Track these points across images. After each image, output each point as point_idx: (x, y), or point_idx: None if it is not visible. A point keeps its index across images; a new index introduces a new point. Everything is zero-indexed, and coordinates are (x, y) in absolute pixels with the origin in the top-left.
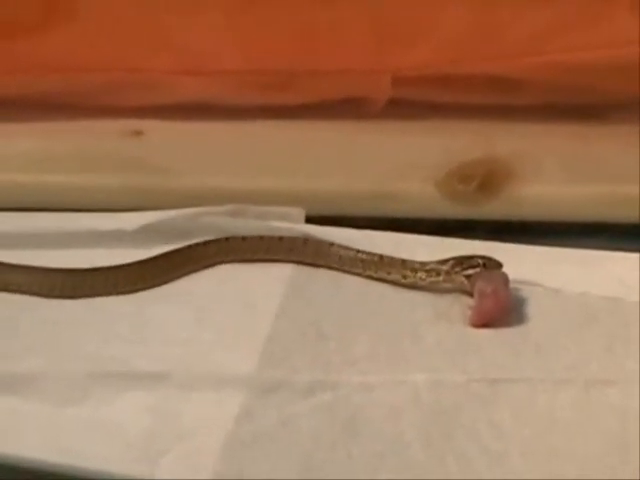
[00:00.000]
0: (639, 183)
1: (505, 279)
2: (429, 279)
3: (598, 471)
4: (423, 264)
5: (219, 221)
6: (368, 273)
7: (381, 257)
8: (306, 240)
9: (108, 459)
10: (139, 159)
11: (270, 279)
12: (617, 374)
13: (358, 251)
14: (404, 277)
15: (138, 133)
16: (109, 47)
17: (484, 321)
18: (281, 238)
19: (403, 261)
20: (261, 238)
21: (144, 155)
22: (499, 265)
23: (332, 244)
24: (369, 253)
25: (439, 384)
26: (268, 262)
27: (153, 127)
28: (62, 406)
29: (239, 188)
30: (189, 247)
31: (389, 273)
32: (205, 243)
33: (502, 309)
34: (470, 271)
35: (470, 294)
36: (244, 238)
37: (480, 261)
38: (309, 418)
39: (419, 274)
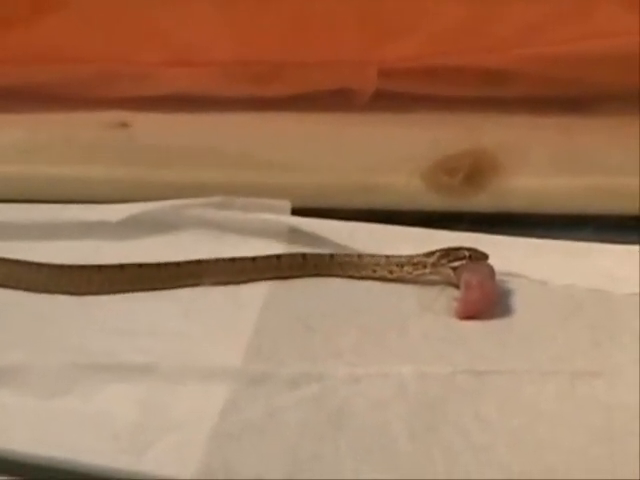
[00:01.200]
0: (626, 175)
1: (491, 271)
2: (415, 272)
3: (584, 463)
4: (409, 257)
5: (205, 213)
6: (350, 274)
7: (360, 256)
8: (279, 256)
9: (94, 451)
10: (126, 151)
11: None
12: (603, 366)
13: (332, 256)
14: (390, 272)
15: (124, 125)
16: (97, 38)
17: (470, 313)
18: (254, 258)
19: (387, 257)
20: (233, 260)
21: (131, 147)
22: (485, 256)
23: (305, 255)
24: (346, 255)
25: (425, 376)
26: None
27: (140, 119)
28: (48, 398)
29: (225, 180)
30: (158, 265)
31: (374, 271)
32: (177, 264)
33: (488, 301)
34: (456, 263)
35: (456, 286)
36: (217, 260)
37: (466, 253)
38: (295, 410)
39: (405, 268)
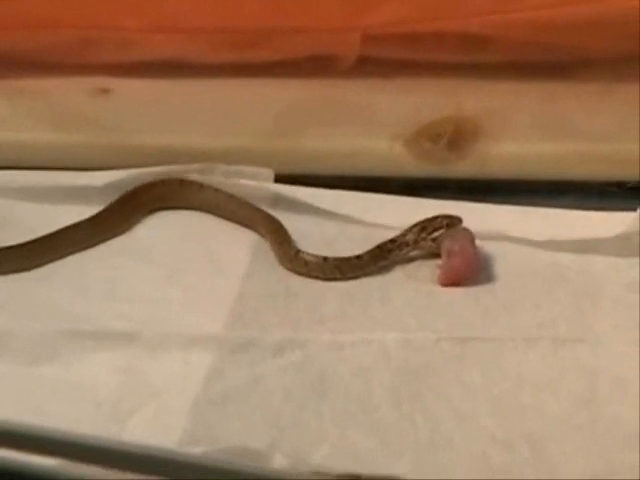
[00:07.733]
0: (608, 141)
1: (471, 235)
2: (401, 253)
3: (567, 428)
4: (392, 242)
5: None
6: (350, 275)
7: (358, 257)
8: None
9: (77, 419)
10: (107, 117)
11: (239, 239)
12: (586, 333)
13: (326, 258)
14: (386, 259)
15: (106, 91)
16: (78, 4)
17: (453, 280)
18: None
19: (379, 247)
20: None
21: (112, 113)
22: (460, 221)
23: (298, 251)
24: (345, 258)
25: (408, 343)
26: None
27: (121, 85)
28: (31, 365)
29: (208, 146)
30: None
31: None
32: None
33: (470, 266)
34: (436, 234)
35: (439, 255)
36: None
37: (444, 221)
38: (279, 377)
39: (394, 252)
